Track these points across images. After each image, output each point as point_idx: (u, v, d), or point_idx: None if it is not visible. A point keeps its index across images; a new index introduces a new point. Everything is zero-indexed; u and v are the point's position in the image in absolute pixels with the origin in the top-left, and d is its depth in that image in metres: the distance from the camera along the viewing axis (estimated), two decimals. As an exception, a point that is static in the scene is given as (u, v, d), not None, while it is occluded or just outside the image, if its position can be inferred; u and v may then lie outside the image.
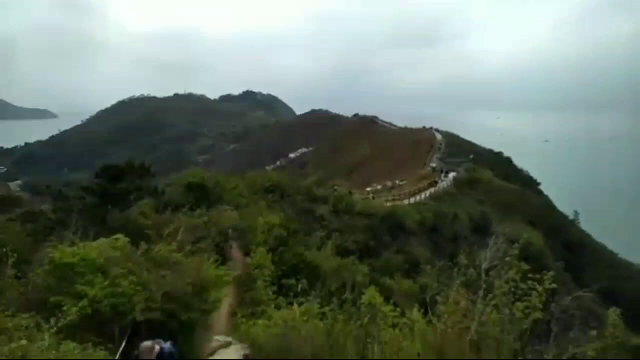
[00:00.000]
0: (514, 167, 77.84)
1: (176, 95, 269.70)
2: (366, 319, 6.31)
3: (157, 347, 5.66)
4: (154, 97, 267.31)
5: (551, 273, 5.41)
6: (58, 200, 21.12)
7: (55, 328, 6.29)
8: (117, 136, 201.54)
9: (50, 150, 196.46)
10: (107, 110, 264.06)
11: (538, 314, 5.11)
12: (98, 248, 8.86)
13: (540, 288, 5.19)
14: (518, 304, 5.18)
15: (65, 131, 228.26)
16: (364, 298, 7.33)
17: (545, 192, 69.33)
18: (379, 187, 58.74)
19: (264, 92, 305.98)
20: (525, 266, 5.48)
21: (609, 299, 24.44)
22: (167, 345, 5.86)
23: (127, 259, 8.79)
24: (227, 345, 6.82)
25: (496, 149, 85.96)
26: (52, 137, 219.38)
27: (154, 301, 7.78)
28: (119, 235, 9.76)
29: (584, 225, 61.25)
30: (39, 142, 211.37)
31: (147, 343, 5.69)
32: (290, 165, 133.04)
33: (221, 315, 10.90)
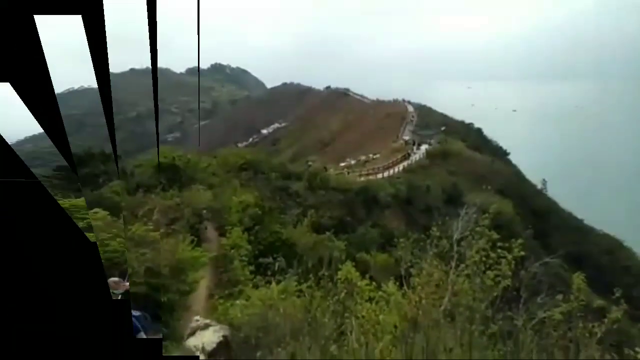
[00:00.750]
0: (484, 137, 79.20)
1: (132, 70, 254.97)
2: (343, 294, 6.40)
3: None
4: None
5: (520, 241, 5.60)
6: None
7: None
8: (70, 125, 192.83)
9: None
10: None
11: (508, 282, 5.30)
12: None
13: (509, 256, 5.38)
14: (489, 272, 5.34)
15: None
16: (341, 274, 7.41)
17: (514, 162, 71.15)
18: (353, 162, 58.97)
19: (233, 65, 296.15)
20: (494, 235, 5.63)
21: (575, 263, 25.68)
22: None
23: (110, 225, 8.59)
24: (205, 327, 6.84)
25: (467, 120, 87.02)
26: None
27: (137, 276, 7.73)
28: (97, 210, 9.51)
29: (551, 193, 63.35)
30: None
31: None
32: (264, 142, 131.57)
33: (199, 297, 10.88)
